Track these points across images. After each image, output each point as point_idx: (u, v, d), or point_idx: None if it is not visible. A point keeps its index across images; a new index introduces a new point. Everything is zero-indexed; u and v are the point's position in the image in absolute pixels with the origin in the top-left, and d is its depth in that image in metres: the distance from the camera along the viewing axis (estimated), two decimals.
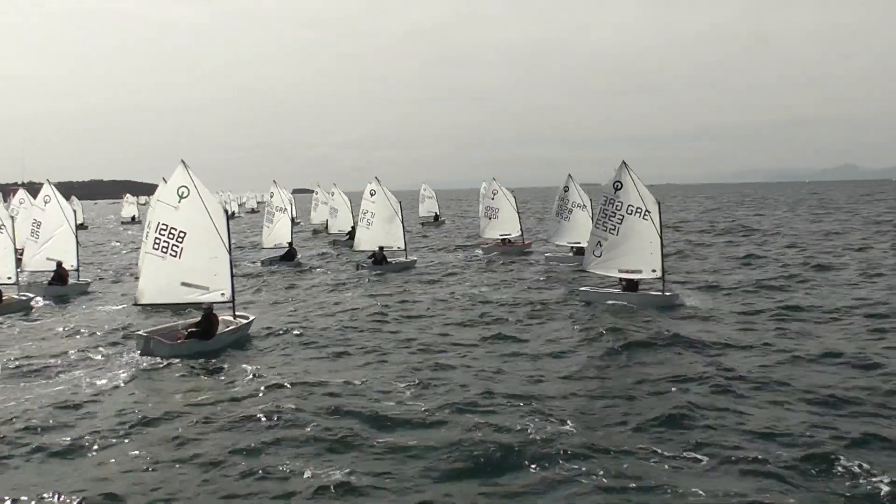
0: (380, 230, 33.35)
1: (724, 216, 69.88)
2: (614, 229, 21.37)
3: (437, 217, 67.15)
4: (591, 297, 22.02)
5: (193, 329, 16.54)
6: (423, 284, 27.53)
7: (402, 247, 33.26)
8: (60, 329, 19.75)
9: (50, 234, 27.17)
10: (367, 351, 16.26)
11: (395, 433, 10.73)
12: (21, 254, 26.62)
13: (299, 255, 36.90)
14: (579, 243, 32.68)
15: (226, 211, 18.58)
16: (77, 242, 27.88)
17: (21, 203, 37.84)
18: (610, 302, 21.27)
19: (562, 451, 9.82)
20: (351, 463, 9.77)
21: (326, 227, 54.82)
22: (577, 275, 27.62)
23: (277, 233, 38.27)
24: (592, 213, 32.18)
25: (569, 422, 11.13)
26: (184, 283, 17.45)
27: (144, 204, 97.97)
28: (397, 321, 19.94)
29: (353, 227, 48.55)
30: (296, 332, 18.27)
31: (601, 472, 9.20)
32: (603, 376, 14.01)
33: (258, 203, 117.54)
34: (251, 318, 18.36)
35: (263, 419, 11.43)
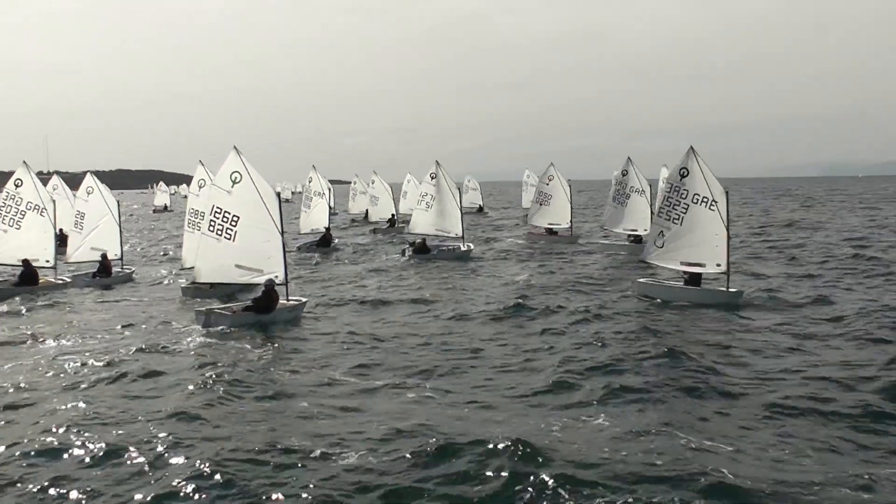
0: (438, 214, 33.92)
1: (779, 209, 68.30)
2: (678, 219, 20.89)
3: (481, 208, 67.84)
4: (648, 290, 21.57)
5: (254, 303, 17.87)
6: (472, 272, 27.96)
7: (460, 233, 33.51)
8: (105, 310, 20.94)
9: (94, 224, 28.24)
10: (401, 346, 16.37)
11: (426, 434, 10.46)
12: (60, 239, 27.83)
13: (336, 241, 37.38)
14: (636, 231, 32.44)
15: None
16: (121, 232, 28.98)
17: (55, 189, 38.92)
18: (668, 297, 20.86)
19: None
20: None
21: (366, 216, 55.59)
22: (632, 265, 27.39)
23: (314, 218, 39.25)
24: (651, 200, 31.87)
25: (601, 432, 10.44)
26: (238, 266, 18.84)
27: (174, 193, 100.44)
28: (442, 310, 20.10)
29: (393, 216, 49.78)
30: (337, 315, 19.28)
31: None
32: (654, 380, 13.10)
33: (293, 193, 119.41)
34: (305, 300, 19.54)
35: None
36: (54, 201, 26.17)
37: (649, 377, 13.08)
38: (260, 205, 18.82)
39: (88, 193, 28.35)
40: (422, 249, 32.65)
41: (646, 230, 31.17)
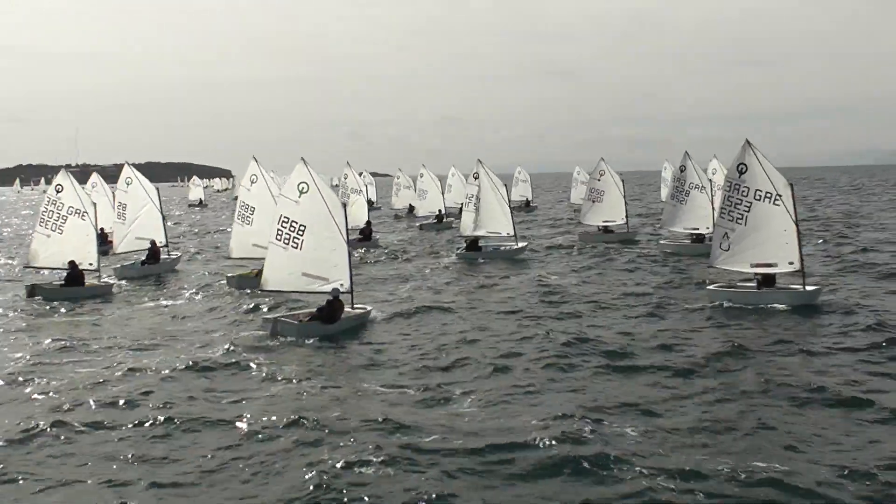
0: (485, 215, 33.78)
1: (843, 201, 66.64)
2: (741, 218, 20.47)
3: (528, 203, 67.32)
4: (721, 296, 20.79)
5: (318, 313, 18.66)
6: (522, 271, 28.27)
7: (511, 232, 33.55)
8: (158, 312, 21.97)
9: (136, 214, 29.77)
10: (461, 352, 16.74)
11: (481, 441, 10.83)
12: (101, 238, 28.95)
13: (377, 236, 38.00)
14: (697, 230, 32.02)
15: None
16: (164, 219, 30.38)
17: (94, 187, 40.45)
18: (744, 302, 20.24)
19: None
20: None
21: (410, 211, 56.14)
22: (696, 267, 26.85)
23: (353, 215, 39.24)
24: (713, 195, 31.51)
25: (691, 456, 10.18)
26: (304, 274, 19.85)
27: (207, 187, 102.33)
28: (495, 312, 20.39)
29: (440, 211, 50.28)
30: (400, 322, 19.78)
31: None
32: (739, 399, 12.53)
33: (333, 186, 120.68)
34: (370, 309, 20.31)
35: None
36: (95, 204, 27.15)
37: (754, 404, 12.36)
38: (326, 215, 19.91)
39: (128, 184, 29.89)
40: (473, 247, 33.07)
41: (708, 228, 30.70)
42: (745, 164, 20.52)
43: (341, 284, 19.56)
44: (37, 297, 24.00)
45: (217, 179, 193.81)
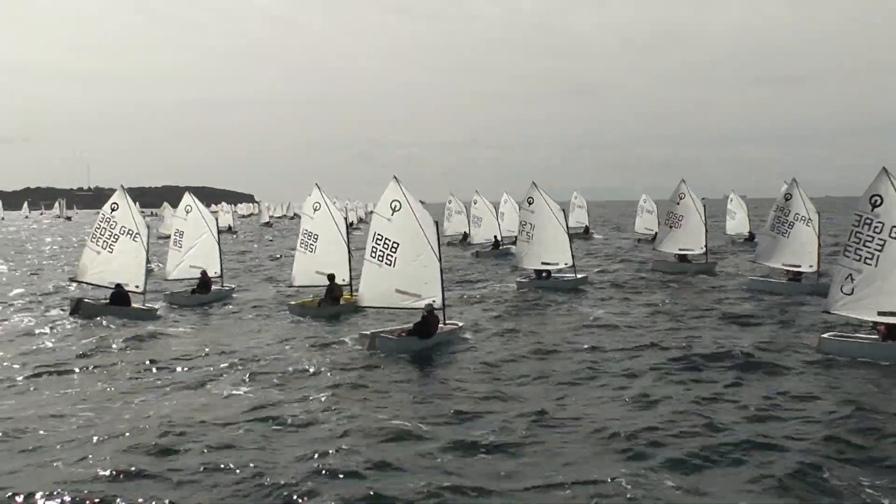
0: (541, 244, 33.69)
1: None
2: (871, 258, 19.43)
3: (587, 230, 68.48)
4: (837, 347, 19.37)
5: (414, 328, 20.34)
6: (590, 305, 28.44)
7: (570, 262, 33.45)
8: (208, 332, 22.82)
9: (192, 242, 31.47)
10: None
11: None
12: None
13: None
14: (798, 267, 31.13)
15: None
16: (220, 250, 31.95)
17: (188, 211, 41.52)
18: (865, 356, 18.74)
19: None
20: None
21: (464, 238, 57.04)
22: (798, 309, 26.22)
23: None
24: (819, 229, 31.10)
25: None
26: (398, 291, 21.82)
27: (227, 213, 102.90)
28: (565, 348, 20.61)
29: (496, 237, 51.10)
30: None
31: None
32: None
33: (366, 213, 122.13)
34: (461, 325, 22.37)
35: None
36: (149, 227, 28.49)
37: None
38: (418, 232, 21.77)
39: (187, 212, 31.67)
40: (536, 276, 33.80)
41: (811, 266, 30.41)
42: (880, 197, 19.38)
43: (433, 301, 21.13)
44: (80, 312, 25.73)
45: (242, 205, 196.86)
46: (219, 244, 32.00)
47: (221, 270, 31.88)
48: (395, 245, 21.83)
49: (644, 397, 15.31)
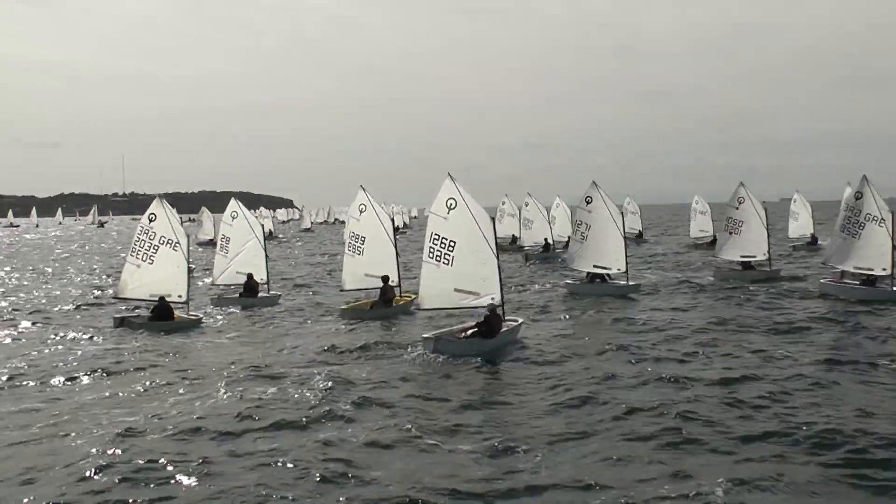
0: (594, 247, 33.40)
1: None
2: None
3: (640, 234, 68.55)
4: None
5: (477, 328, 20.71)
6: (644, 313, 27.74)
7: (623, 268, 33.03)
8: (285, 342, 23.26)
9: (239, 248, 32.39)
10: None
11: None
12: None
13: None
14: (872, 270, 29.91)
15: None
16: (266, 256, 32.73)
17: (234, 217, 42.54)
18: None
19: None
20: None
21: (513, 241, 57.29)
22: (869, 317, 25.31)
23: None
24: (893, 230, 30.17)
25: None
26: (457, 290, 22.19)
27: (266, 218, 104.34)
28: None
29: (546, 240, 51.14)
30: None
31: None
32: None
33: (411, 218, 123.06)
34: (520, 321, 22.62)
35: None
36: (188, 235, 28.90)
37: None
38: (475, 229, 22.09)
39: (233, 218, 32.53)
40: (590, 280, 33.74)
41: (885, 269, 29.45)
42: None
43: (492, 298, 21.57)
44: (124, 328, 25.86)
45: (281, 210, 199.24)
46: (265, 250, 32.75)
47: (268, 276, 32.58)
48: (451, 244, 22.15)
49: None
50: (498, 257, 22.23)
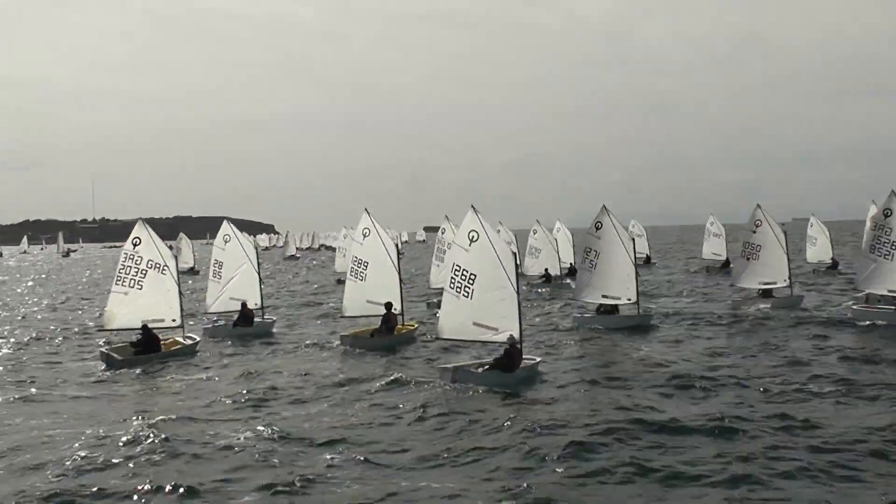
0: (605, 275, 32.56)
1: None
2: None
3: (648, 259, 68.66)
4: None
5: (496, 362, 21.33)
6: (659, 345, 27.15)
7: (633, 298, 32.35)
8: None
9: (232, 273, 32.20)
10: None
11: None
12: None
13: None
14: None
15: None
16: (260, 281, 32.72)
17: (227, 241, 42.33)
18: None
19: None
20: None
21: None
22: None
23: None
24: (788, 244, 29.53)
25: None
26: (475, 324, 22.56)
27: (258, 246, 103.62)
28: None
29: (546, 270, 50.62)
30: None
31: None
32: None
33: (403, 242, 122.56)
34: (538, 360, 23.00)
35: None
36: (175, 257, 28.89)
37: None
38: (496, 263, 22.41)
39: (226, 241, 32.39)
40: (610, 311, 32.78)
41: None
42: None
43: (510, 335, 21.67)
44: (112, 367, 24.68)
45: (262, 236, 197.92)
46: (259, 274, 32.66)
47: (262, 301, 32.51)
48: (472, 277, 22.50)
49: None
50: (518, 293, 22.35)
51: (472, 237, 22.73)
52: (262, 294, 32.58)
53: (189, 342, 27.24)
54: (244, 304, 31.21)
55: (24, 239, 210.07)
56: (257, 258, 33.16)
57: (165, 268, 27.75)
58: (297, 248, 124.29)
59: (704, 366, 22.87)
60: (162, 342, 26.48)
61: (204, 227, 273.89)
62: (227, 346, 28.38)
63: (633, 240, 33.87)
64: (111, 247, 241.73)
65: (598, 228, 32.99)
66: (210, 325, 31.53)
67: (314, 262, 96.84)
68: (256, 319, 31.61)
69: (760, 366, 22.77)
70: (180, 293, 28.27)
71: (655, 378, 21.24)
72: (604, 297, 32.54)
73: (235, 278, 32.16)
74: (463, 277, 22.61)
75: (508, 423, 16.51)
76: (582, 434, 15.56)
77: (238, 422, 17.22)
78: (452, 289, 22.73)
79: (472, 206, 23.09)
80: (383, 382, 21.07)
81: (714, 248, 64.14)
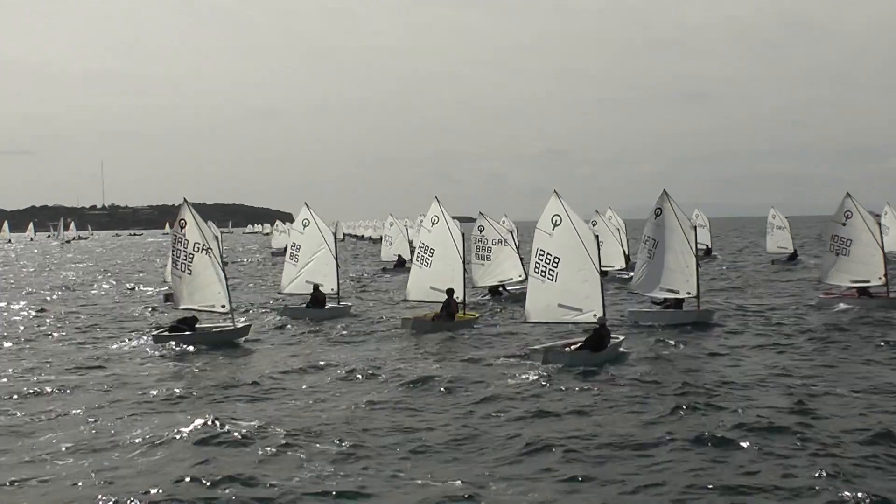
0: (664, 267, 32.08)
1: None
2: None
3: (708, 251, 69.72)
4: None
5: (586, 342, 23.65)
6: (725, 348, 26.34)
7: (693, 292, 31.88)
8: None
9: (309, 257, 35.85)
10: None
11: None
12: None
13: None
14: None
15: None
16: (337, 266, 36.37)
17: (305, 225, 46.10)
18: None
19: None
20: None
21: None
22: None
23: (498, 269, 40.36)
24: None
25: None
26: (560, 305, 25.36)
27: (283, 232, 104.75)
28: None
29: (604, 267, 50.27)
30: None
31: None
32: None
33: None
34: (622, 338, 25.21)
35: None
36: (217, 238, 29.97)
37: None
38: (579, 246, 25.22)
39: (304, 226, 36.13)
40: (676, 304, 32.29)
41: None
42: None
43: (594, 315, 24.61)
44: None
45: (279, 223, 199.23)
46: (336, 260, 36.14)
47: (338, 287, 36.06)
48: (556, 260, 25.42)
49: None
50: (601, 274, 25.21)
51: (556, 221, 25.45)
52: (338, 279, 35.98)
53: (241, 328, 29.08)
54: (316, 288, 34.66)
55: (31, 225, 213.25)
56: (335, 244, 36.48)
57: (209, 250, 28.81)
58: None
59: (781, 381, 20.91)
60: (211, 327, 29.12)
61: (219, 215, 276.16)
62: (301, 327, 31.66)
63: (696, 229, 33.88)
64: (121, 234, 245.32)
65: (657, 216, 32.44)
66: (283, 306, 35.44)
67: (347, 251, 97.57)
68: (332, 304, 34.96)
69: (845, 383, 20.69)
70: (225, 276, 29.50)
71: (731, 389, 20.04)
72: (661, 289, 32.21)
73: (312, 262, 35.66)
74: (547, 261, 25.42)
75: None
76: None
77: (325, 402, 19.27)
78: (537, 273, 25.55)
79: (556, 192, 25.71)
80: (454, 365, 23.29)
81: (779, 240, 65.74)
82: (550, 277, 25.22)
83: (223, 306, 28.67)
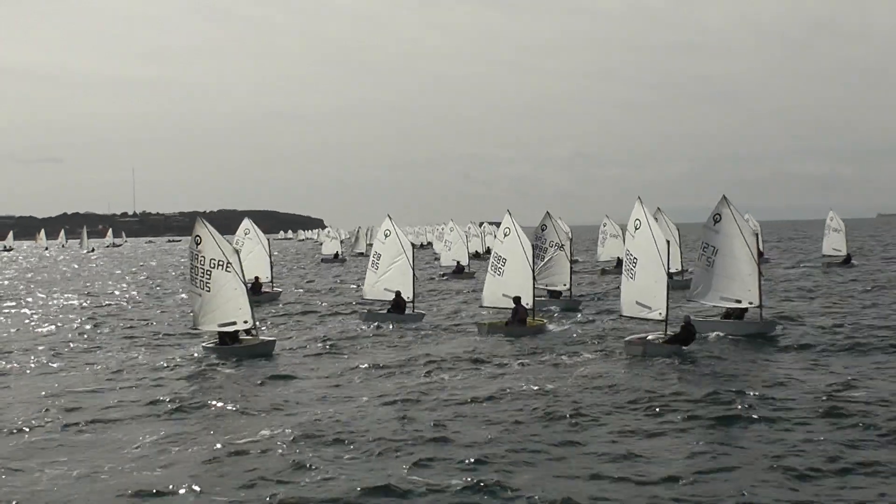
0: (724, 274, 32.77)
1: None
2: None
3: (848, 259, 68.67)
4: None
5: (674, 337, 28.87)
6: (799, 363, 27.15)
7: (755, 301, 32.57)
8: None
9: (388, 266, 40.83)
10: None
11: None
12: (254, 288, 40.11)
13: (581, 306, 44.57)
14: None
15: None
16: (414, 276, 40.87)
17: (246, 233, 52.04)
18: None
19: None
20: None
21: (619, 264, 61.27)
22: None
23: (547, 271, 44.50)
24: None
25: None
26: (638, 302, 30.40)
27: (334, 239, 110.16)
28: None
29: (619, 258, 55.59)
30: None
31: None
32: None
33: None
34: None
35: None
36: (237, 251, 30.99)
37: None
38: (654, 249, 29.88)
39: (386, 236, 41.08)
40: (739, 315, 33.27)
41: None
42: None
43: (660, 313, 29.61)
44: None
45: (318, 231, 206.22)
46: (413, 269, 40.51)
47: (414, 295, 40.40)
48: (635, 260, 30.57)
49: None
50: (670, 276, 29.96)
51: (637, 225, 30.34)
52: (414, 288, 40.28)
53: (268, 341, 31.00)
54: (398, 294, 39.41)
55: (62, 232, 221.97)
56: (413, 254, 40.96)
57: (229, 265, 29.79)
58: (366, 245, 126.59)
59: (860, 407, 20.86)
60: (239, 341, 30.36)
61: (255, 221, 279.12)
62: (382, 331, 36.27)
63: (757, 236, 34.26)
64: (172, 240, 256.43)
65: (716, 221, 32.80)
66: (366, 311, 40.58)
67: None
68: (407, 312, 39.48)
69: None
70: (247, 290, 30.95)
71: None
72: (722, 298, 32.75)
73: (391, 271, 40.43)
74: (631, 262, 30.60)
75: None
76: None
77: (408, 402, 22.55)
78: (626, 272, 30.78)
79: (639, 198, 30.61)
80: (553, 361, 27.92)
81: (834, 243, 69.19)
82: (632, 276, 30.33)
83: (245, 322, 29.92)
